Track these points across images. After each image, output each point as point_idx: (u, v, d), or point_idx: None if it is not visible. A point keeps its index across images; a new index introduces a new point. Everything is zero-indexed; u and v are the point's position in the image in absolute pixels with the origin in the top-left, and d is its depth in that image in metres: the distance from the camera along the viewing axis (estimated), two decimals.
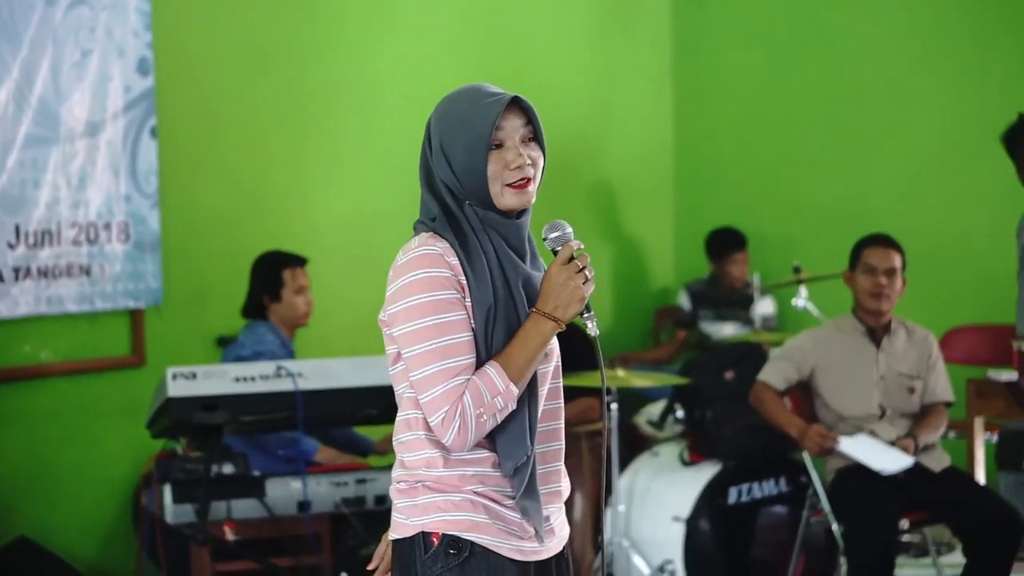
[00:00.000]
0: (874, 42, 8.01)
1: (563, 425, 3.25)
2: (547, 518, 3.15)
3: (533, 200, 3.13)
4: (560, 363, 3.26)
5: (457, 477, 3.06)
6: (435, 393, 2.98)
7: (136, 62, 6.85)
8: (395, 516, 3.14)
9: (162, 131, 6.96)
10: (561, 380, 3.26)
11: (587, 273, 3.09)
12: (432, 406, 2.99)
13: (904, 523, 5.94)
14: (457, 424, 2.96)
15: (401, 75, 7.68)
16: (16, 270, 6.47)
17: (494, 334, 3.02)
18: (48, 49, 6.57)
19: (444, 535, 3.04)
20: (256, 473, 5.75)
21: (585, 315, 3.14)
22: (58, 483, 6.71)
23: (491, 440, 3.06)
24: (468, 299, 3.02)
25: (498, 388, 2.97)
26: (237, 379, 5.37)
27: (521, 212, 3.14)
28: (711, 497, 6.42)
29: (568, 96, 8.66)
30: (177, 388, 5.24)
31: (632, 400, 7.52)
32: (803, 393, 6.24)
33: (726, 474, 6.47)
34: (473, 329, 3.01)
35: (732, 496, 6.47)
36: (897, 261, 6.07)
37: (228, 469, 5.62)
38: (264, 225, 7.16)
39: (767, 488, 6.53)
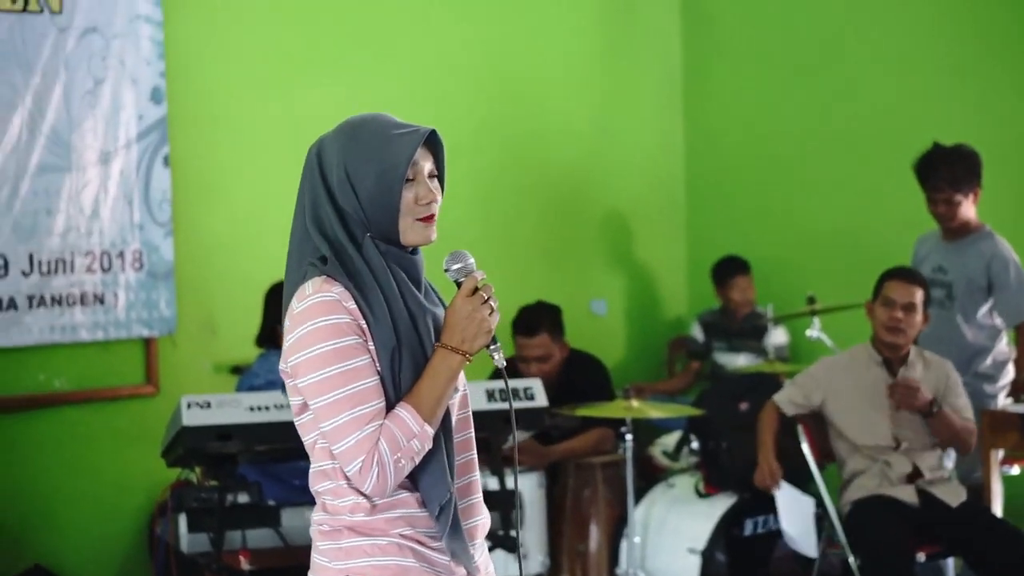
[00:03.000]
0: (886, 68, 7.98)
1: (476, 456, 3.19)
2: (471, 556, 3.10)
3: (435, 237, 3.04)
4: (467, 392, 3.18)
5: (383, 520, 2.98)
6: (349, 443, 2.88)
7: (149, 91, 6.85)
8: (317, 558, 3.06)
9: (175, 159, 6.96)
10: (470, 410, 3.19)
11: (492, 304, 3.00)
12: (347, 456, 2.89)
13: (920, 556, 5.90)
14: (375, 472, 2.87)
15: (405, 101, 7.66)
16: (30, 298, 6.47)
17: (401, 374, 2.95)
18: (61, 77, 6.59)
19: None
20: (271, 503, 5.72)
21: (491, 347, 3.03)
22: (72, 511, 6.70)
23: (412, 481, 2.99)
24: (370, 343, 2.94)
25: (413, 431, 2.89)
26: (252, 408, 5.33)
27: (416, 248, 3.06)
28: (727, 529, 6.39)
29: (575, 124, 8.64)
30: (192, 417, 5.21)
31: (647, 431, 7.49)
32: (816, 423, 6.21)
33: (742, 505, 6.44)
34: (379, 372, 2.93)
35: (748, 528, 6.44)
36: (918, 296, 6.02)
37: (243, 498, 5.59)
38: (278, 253, 7.09)
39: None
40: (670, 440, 7.18)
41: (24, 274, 6.46)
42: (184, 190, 7.01)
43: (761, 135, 8.74)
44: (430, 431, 2.91)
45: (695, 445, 6.71)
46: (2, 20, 6.43)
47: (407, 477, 2.96)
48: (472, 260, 3.05)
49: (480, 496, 3.19)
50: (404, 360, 2.95)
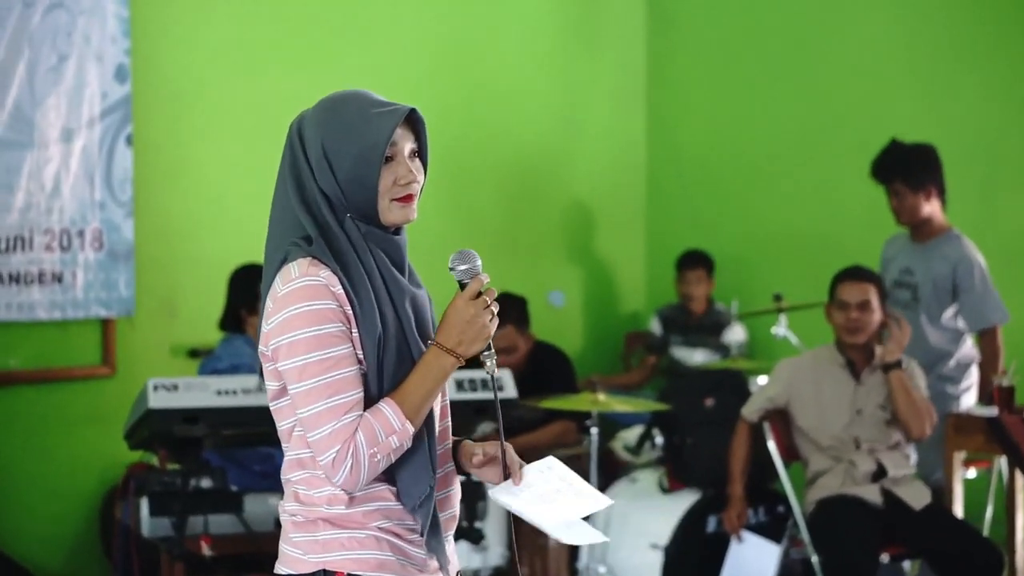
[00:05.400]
0: (847, 65, 8.01)
1: (451, 446, 3.13)
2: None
3: (415, 217, 2.98)
4: (448, 402, 3.13)
5: (361, 514, 2.93)
6: (323, 432, 2.82)
7: (114, 69, 6.77)
8: (288, 550, 2.99)
9: (138, 139, 6.88)
10: (448, 399, 3.13)
11: (493, 309, 2.93)
12: (321, 445, 2.83)
13: (884, 557, 5.91)
14: (349, 464, 2.81)
15: (372, 85, 7.56)
16: None
17: (384, 363, 2.90)
18: (24, 52, 6.50)
19: (350, 575, 2.92)
20: (234, 488, 5.66)
21: (485, 353, 2.97)
22: (24, 492, 6.62)
23: (389, 473, 2.93)
24: (355, 330, 2.88)
25: (394, 427, 2.83)
26: (219, 392, 5.26)
27: (399, 228, 3.01)
28: (690, 525, 6.37)
29: (538, 115, 8.62)
30: (158, 399, 5.14)
31: (607, 425, 7.45)
32: (783, 421, 6.22)
33: (705, 502, 6.42)
34: (361, 361, 2.88)
35: (711, 524, 6.41)
36: (871, 294, 6.03)
37: (206, 483, 5.52)
38: (240, 236, 7.05)
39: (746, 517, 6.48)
40: (631, 435, 7.15)
41: None
42: (146, 170, 6.92)
43: (724, 132, 8.76)
44: (411, 429, 2.86)
45: (659, 440, 6.69)
46: None
47: (384, 471, 2.91)
48: (479, 262, 2.98)
49: (456, 488, 3.13)
50: (387, 348, 2.90)
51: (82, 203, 6.67)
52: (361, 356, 2.88)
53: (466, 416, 5.45)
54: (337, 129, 2.93)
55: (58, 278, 6.61)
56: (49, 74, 6.57)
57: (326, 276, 2.87)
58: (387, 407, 2.85)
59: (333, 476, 2.84)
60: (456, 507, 3.12)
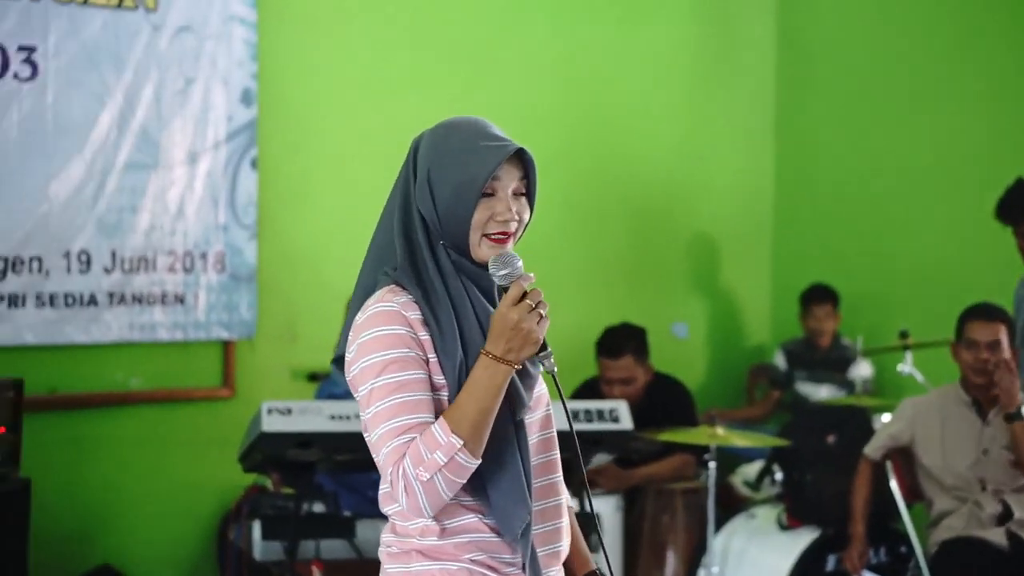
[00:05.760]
0: (980, 100, 7.86)
1: (560, 478, 3.05)
2: None
3: None
4: (551, 412, 3.05)
5: (453, 545, 2.87)
6: (380, 456, 2.78)
7: (240, 92, 6.81)
8: None
9: (262, 162, 6.91)
10: (554, 430, 3.04)
11: (541, 311, 2.81)
12: (381, 469, 2.79)
13: None
14: (401, 486, 2.74)
15: (494, 116, 7.51)
16: (111, 295, 6.43)
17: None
18: (152, 76, 6.56)
19: None
20: (346, 513, 5.64)
21: (541, 354, 2.85)
22: (143, 512, 6.67)
23: (483, 503, 2.87)
24: (433, 355, 2.83)
25: (439, 441, 2.73)
26: (333, 416, 5.25)
27: None
28: (808, 563, 6.25)
29: (664, 145, 8.56)
30: (272, 423, 5.14)
31: (726, 459, 7.37)
32: (905, 460, 6.09)
33: (824, 540, 6.30)
34: (436, 387, 2.82)
35: (830, 563, 6.29)
36: (1002, 333, 5.86)
37: (319, 508, 5.53)
38: (360, 261, 7.06)
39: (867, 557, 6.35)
40: (751, 469, 7.05)
41: (106, 271, 6.42)
42: (270, 194, 6.96)
43: (853, 165, 8.63)
44: (457, 443, 2.73)
45: (778, 476, 6.59)
46: (96, 16, 6.39)
47: (476, 499, 2.86)
48: (520, 263, 2.87)
49: (564, 522, 3.06)
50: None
51: (206, 225, 6.71)
52: (442, 381, 2.83)
53: (576, 448, 5.39)
54: (443, 155, 2.89)
55: (180, 299, 6.65)
56: (176, 97, 6.63)
57: (402, 302, 2.84)
58: (436, 424, 2.77)
59: (397, 501, 2.78)
60: (562, 542, 3.05)
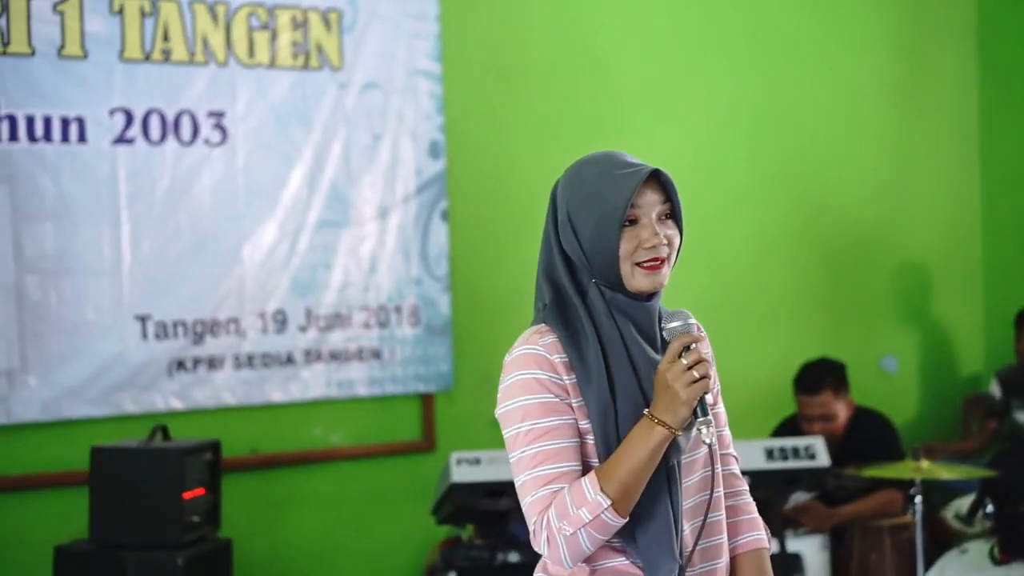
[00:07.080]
0: None
1: (723, 517, 2.95)
2: None
3: (666, 283, 2.82)
4: (716, 447, 2.92)
5: None
6: (525, 503, 2.75)
7: (428, 145, 6.84)
8: None
9: (453, 214, 6.92)
10: (719, 467, 2.93)
11: (695, 373, 2.68)
12: (526, 517, 2.76)
13: None
14: (544, 536, 2.71)
15: (686, 158, 7.50)
16: (307, 353, 6.49)
17: (620, 432, 2.74)
18: (340, 133, 6.62)
19: None
20: None
21: (699, 420, 2.71)
22: (345, 569, 6.68)
23: (633, 546, 2.79)
24: (579, 399, 2.76)
25: (586, 498, 2.67)
26: None
27: (652, 294, 2.84)
28: None
29: (861, 176, 8.38)
30: (461, 474, 5.14)
31: (939, 493, 7.16)
32: None
33: None
34: (582, 432, 2.76)
35: None
36: None
37: (514, 558, 5.49)
38: None
39: None
40: (964, 503, 6.84)
41: (302, 329, 6.49)
42: (462, 245, 6.97)
43: None
44: (604, 502, 2.66)
45: (990, 509, 6.36)
46: (283, 77, 6.48)
47: (624, 542, 2.79)
48: (691, 320, 2.79)
49: (723, 537, 2.96)
50: (622, 417, 2.76)
51: (399, 279, 6.75)
52: (588, 426, 2.77)
53: (775, 485, 5.29)
54: (580, 191, 2.86)
55: (377, 354, 6.68)
56: (364, 153, 6.68)
57: (548, 344, 2.79)
58: (586, 479, 2.71)
59: (537, 548, 2.76)
60: (722, 558, 2.95)
